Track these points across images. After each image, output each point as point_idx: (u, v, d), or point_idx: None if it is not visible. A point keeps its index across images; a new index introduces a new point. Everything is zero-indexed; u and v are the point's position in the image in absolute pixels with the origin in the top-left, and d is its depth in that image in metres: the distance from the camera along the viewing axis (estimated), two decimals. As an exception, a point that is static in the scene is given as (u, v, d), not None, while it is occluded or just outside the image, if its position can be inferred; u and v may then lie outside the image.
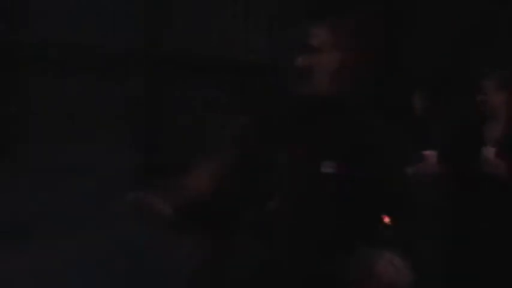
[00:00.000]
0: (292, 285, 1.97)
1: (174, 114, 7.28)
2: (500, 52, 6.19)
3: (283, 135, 1.99)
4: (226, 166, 2.03)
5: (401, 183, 2.08)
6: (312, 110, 1.97)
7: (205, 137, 4.93)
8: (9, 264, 4.97)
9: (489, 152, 3.47)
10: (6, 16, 7.60)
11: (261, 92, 2.00)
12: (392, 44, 7.67)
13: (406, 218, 2.19)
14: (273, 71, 7.68)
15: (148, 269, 4.94)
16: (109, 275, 4.81)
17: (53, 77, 7.43)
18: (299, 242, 1.93)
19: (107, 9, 7.48)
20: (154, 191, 1.97)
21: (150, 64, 7.63)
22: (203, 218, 2.07)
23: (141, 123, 7.38)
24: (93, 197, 6.32)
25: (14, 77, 7.74)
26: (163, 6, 7.45)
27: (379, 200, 1.98)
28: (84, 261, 5.05)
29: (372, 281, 1.85)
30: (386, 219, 3.29)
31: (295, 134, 1.98)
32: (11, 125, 7.64)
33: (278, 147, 1.98)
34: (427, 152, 3.55)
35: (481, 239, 3.51)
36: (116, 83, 7.35)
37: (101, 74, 7.38)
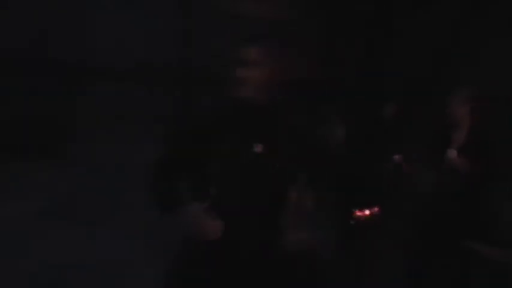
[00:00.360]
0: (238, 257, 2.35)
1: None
2: (464, 72, 6.48)
3: (226, 126, 2.37)
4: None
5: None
6: (247, 109, 2.36)
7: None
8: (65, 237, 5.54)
9: (453, 153, 3.98)
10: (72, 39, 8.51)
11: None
12: (368, 55, 8.16)
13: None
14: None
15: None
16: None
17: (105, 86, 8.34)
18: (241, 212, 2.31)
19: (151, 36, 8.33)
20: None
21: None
22: None
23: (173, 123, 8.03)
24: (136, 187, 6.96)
25: (75, 88, 8.64)
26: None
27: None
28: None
29: None
30: (363, 213, 3.83)
31: (235, 126, 2.37)
32: (66, 127, 8.51)
33: (222, 135, 2.35)
34: (396, 156, 4.00)
35: (443, 221, 4.06)
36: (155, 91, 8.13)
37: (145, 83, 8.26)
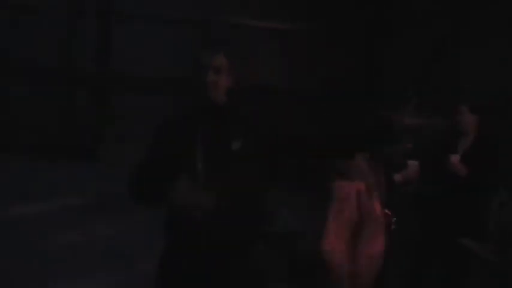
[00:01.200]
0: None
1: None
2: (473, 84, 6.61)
3: (200, 125, 2.53)
4: None
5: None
6: (216, 110, 2.56)
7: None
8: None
9: (456, 158, 4.30)
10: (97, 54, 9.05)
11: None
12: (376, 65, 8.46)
13: None
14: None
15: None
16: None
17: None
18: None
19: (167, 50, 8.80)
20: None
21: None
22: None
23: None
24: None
25: (103, 97, 9.18)
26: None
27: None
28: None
29: None
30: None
31: (208, 124, 2.54)
32: (99, 131, 9.08)
33: (197, 133, 2.51)
34: (411, 162, 4.13)
35: (442, 220, 4.38)
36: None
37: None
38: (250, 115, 2.62)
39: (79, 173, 8.01)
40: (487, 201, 4.60)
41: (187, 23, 9.07)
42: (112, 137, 8.79)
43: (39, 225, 5.96)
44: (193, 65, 2.56)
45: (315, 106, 8.78)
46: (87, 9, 9.08)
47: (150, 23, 8.98)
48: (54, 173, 7.76)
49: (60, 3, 9.09)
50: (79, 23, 9.09)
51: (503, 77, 6.61)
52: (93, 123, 9.09)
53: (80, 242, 5.67)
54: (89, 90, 9.20)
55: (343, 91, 8.58)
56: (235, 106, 2.58)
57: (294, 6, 9.18)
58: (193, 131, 2.53)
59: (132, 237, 5.89)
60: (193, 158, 2.47)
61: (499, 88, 6.49)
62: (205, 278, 2.50)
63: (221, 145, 2.51)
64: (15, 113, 8.91)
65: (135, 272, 4.98)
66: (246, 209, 2.54)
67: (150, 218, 5.71)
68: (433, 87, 7.12)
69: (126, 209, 6.27)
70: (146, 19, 9.00)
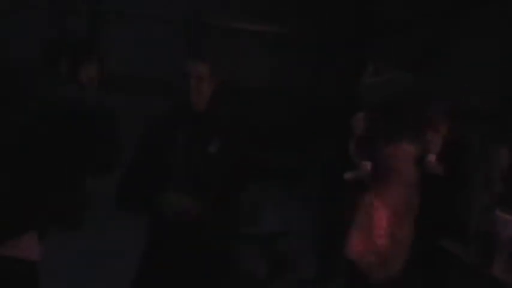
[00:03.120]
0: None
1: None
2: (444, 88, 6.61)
3: (180, 129, 2.62)
4: None
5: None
6: (196, 115, 2.64)
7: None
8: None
9: (432, 157, 4.32)
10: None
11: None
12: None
13: None
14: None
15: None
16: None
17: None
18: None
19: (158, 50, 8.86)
20: None
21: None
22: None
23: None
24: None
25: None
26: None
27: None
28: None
29: None
30: None
31: (188, 128, 2.62)
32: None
33: (177, 137, 2.60)
34: (364, 162, 4.16)
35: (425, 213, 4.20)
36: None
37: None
38: (229, 119, 2.71)
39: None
40: (466, 203, 4.63)
41: (171, 23, 9.16)
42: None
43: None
44: (175, 73, 2.63)
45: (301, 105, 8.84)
46: (77, 8, 9.11)
47: (136, 22, 9.07)
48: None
49: (50, 2, 9.12)
50: (69, 23, 9.13)
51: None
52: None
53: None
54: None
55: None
56: (216, 111, 2.67)
57: (283, 8, 9.24)
58: (173, 135, 2.60)
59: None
60: (172, 161, 2.55)
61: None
62: (185, 279, 2.55)
63: (199, 148, 2.58)
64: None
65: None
66: (225, 209, 2.60)
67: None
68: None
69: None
70: (132, 19, 9.10)
